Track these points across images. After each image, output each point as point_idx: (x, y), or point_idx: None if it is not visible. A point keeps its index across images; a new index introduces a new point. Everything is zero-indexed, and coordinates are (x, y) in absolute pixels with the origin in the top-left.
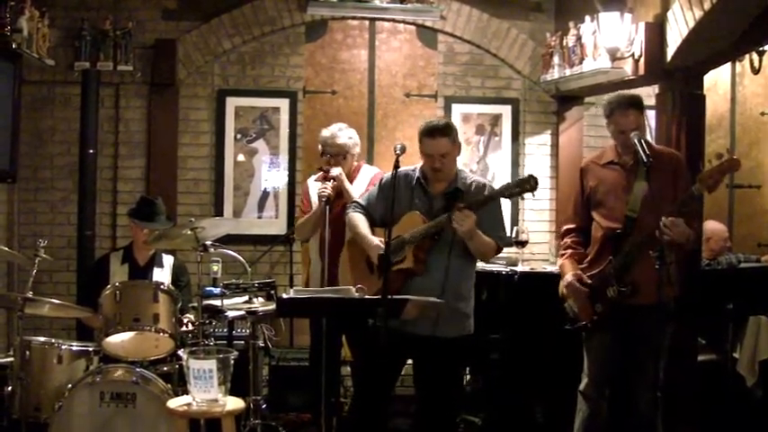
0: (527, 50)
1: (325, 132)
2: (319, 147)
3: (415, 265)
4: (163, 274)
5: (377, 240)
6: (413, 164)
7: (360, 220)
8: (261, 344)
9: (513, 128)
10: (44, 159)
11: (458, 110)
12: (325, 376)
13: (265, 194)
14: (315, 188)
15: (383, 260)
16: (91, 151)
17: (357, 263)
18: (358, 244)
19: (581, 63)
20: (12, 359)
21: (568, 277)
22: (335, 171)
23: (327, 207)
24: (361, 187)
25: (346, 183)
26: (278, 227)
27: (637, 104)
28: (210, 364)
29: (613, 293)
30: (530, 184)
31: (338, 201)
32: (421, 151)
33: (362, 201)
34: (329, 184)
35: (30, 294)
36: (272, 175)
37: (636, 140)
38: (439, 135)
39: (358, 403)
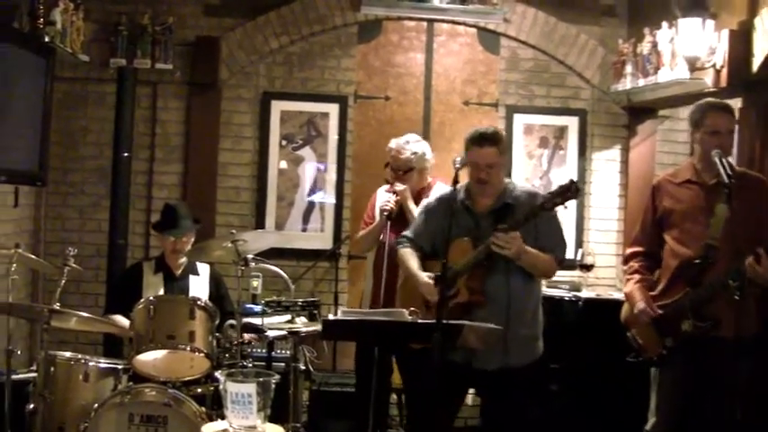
0: (597, 58)
1: (392, 143)
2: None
3: (472, 297)
4: (200, 282)
5: (426, 277)
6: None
7: (409, 257)
8: (302, 367)
9: (579, 141)
10: (75, 162)
11: (520, 120)
12: (373, 406)
13: (311, 206)
14: (382, 200)
15: (440, 282)
16: (125, 154)
17: (415, 298)
18: (410, 283)
19: (656, 73)
20: (34, 375)
21: (639, 305)
22: (400, 187)
23: (389, 223)
24: None
25: (409, 201)
26: (323, 241)
27: (731, 109)
28: (250, 388)
29: (689, 327)
30: (571, 190)
31: (400, 218)
32: (468, 161)
33: (410, 233)
34: (392, 198)
35: (57, 306)
36: (319, 186)
37: (717, 158)
38: (487, 144)
39: None
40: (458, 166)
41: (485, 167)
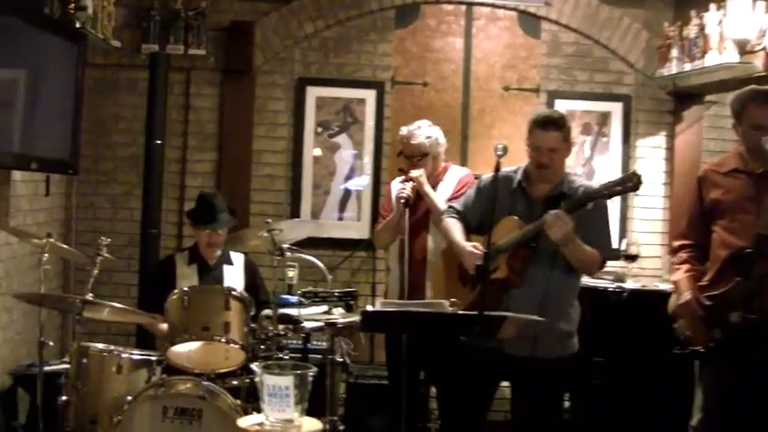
0: (641, 41)
1: (403, 130)
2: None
3: (510, 276)
4: (235, 272)
5: (470, 245)
6: (513, 165)
7: (454, 226)
8: (339, 359)
9: (623, 128)
10: (106, 150)
11: (562, 106)
12: (406, 399)
13: (347, 194)
14: (397, 189)
15: (481, 271)
16: (158, 142)
17: (451, 274)
18: (452, 253)
19: (703, 57)
20: (67, 366)
21: (687, 295)
22: (416, 172)
23: (407, 211)
24: (447, 190)
25: (426, 186)
26: (360, 230)
27: None
28: (287, 381)
29: (738, 319)
30: (632, 181)
31: (419, 204)
32: (528, 144)
33: (458, 205)
34: (408, 186)
35: (90, 297)
36: (355, 173)
37: (767, 146)
38: (552, 127)
39: (449, 430)
40: (499, 153)
41: (547, 152)
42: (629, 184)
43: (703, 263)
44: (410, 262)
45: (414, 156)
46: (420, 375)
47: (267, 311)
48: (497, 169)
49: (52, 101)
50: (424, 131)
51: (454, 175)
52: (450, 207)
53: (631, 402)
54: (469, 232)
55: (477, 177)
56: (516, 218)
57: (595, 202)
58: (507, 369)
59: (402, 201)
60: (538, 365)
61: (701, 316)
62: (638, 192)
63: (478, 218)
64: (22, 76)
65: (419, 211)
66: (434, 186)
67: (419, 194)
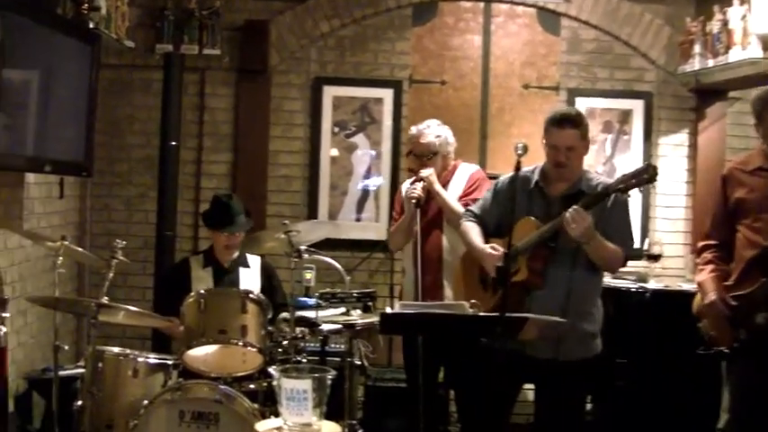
0: (662, 38)
1: (412, 129)
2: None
3: (530, 277)
4: (251, 275)
5: (489, 246)
6: (533, 164)
7: (473, 230)
8: (357, 361)
9: (645, 125)
10: (121, 151)
11: (582, 104)
12: (424, 402)
13: (365, 195)
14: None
15: (501, 273)
16: (172, 143)
17: (470, 277)
18: (471, 257)
19: (727, 52)
20: (82, 370)
21: (712, 296)
22: (426, 172)
23: (418, 211)
24: (457, 188)
25: (436, 185)
26: (378, 231)
27: None
28: (305, 385)
29: (763, 320)
30: (648, 173)
31: (431, 204)
32: (545, 142)
33: (476, 209)
34: (419, 185)
35: (105, 300)
36: (373, 174)
37: None
38: (568, 125)
39: None
40: (519, 152)
41: (564, 150)
42: (644, 176)
43: (728, 263)
44: (424, 262)
45: (423, 155)
46: (438, 378)
47: (285, 314)
48: (518, 168)
49: (66, 102)
50: (434, 130)
51: (464, 173)
52: (467, 211)
53: (655, 404)
54: (488, 235)
55: (493, 177)
56: (534, 218)
57: (614, 198)
58: (530, 371)
59: (413, 201)
60: (561, 367)
61: (727, 316)
62: (659, 189)
63: (496, 220)
64: (35, 77)
65: (431, 211)
66: (445, 185)
67: (430, 194)
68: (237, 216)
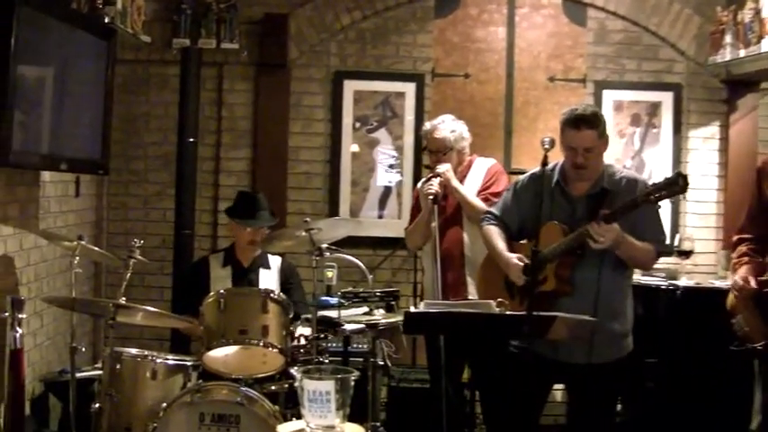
0: (692, 27)
1: (426, 125)
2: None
3: (559, 286)
4: (270, 276)
5: (514, 256)
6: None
7: (495, 234)
8: (380, 362)
9: (674, 118)
10: (137, 149)
11: (610, 97)
12: (448, 404)
13: (387, 191)
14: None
15: (528, 275)
16: (190, 140)
17: (494, 283)
18: (494, 262)
19: (759, 42)
20: (99, 372)
21: (737, 279)
22: (442, 167)
23: (436, 207)
24: (475, 183)
25: (453, 180)
26: (400, 228)
27: None
28: (328, 386)
29: None
30: (678, 184)
31: (449, 200)
32: (562, 143)
33: (497, 210)
34: (435, 181)
35: (123, 301)
36: (395, 170)
37: None
38: (585, 126)
39: None
40: (546, 146)
41: (582, 152)
42: (675, 187)
43: (764, 256)
44: (444, 260)
45: (438, 150)
46: (463, 378)
47: (306, 315)
48: (545, 163)
49: (81, 99)
50: (448, 125)
51: (481, 167)
52: (488, 213)
53: (686, 405)
54: (510, 238)
55: (518, 173)
56: (557, 223)
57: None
58: (561, 373)
59: (431, 197)
60: (594, 370)
61: (760, 312)
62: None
63: (518, 222)
64: (50, 73)
65: (449, 207)
66: (462, 180)
67: (447, 190)
68: (261, 211)
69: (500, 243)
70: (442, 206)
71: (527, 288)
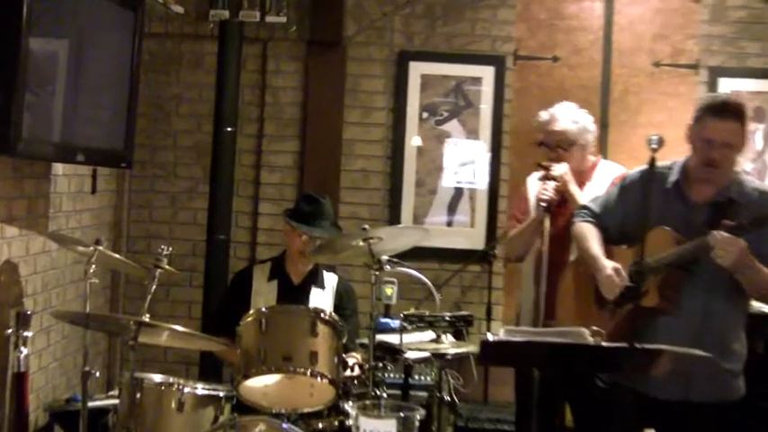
0: None
1: (543, 114)
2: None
3: (662, 304)
4: (323, 298)
5: (611, 266)
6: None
7: (590, 234)
8: (446, 396)
9: None
10: (166, 138)
11: (727, 86)
12: None
13: (458, 194)
14: (535, 189)
15: (627, 295)
16: (228, 129)
17: (583, 291)
18: (585, 265)
19: None
20: (114, 402)
21: None
22: (560, 169)
23: (548, 216)
24: (595, 192)
25: (572, 185)
26: (473, 239)
27: None
28: (389, 426)
29: None
30: None
31: (562, 209)
32: (695, 135)
33: (596, 206)
34: (550, 186)
35: (147, 318)
36: (468, 169)
37: None
38: (730, 117)
39: None
40: (654, 146)
41: (720, 146)
42: None
43: None
44: (549, 279)
45: (557, 146)
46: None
47: (363, 340)
48: (652, 165)
49: (102, 79)
50: (570, 115)
51: (606, 174)
52: (584, 207)
53: None
54: (608, 243)
55: None
56: (668, 229)
57: None
58: (654, 413)
59: (543, 204)
60: (692, 411)
61: None
62: None
63: (620, 224)
64: (64, 47)
65: (562, 218)
66: (580, 186)
67: (563, 196)
68: (323, 220)
69: (595, 245)
70: (555, 215)
71: (621, 300)
